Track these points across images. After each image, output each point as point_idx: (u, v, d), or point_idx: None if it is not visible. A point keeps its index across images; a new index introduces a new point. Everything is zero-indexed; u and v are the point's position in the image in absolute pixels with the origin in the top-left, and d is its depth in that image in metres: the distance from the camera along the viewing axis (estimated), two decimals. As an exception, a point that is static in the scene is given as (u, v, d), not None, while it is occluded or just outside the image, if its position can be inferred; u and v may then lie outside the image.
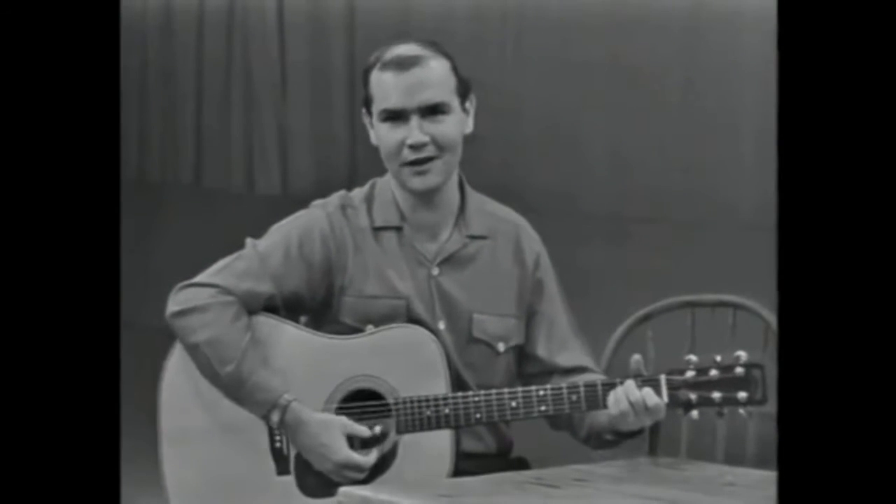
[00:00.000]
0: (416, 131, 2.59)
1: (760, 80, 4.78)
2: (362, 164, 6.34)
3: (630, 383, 2.50)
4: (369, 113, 2.66)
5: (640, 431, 2.57)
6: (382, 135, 2.63)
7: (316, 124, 6.59)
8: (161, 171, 7.18)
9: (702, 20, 5.15)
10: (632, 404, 2.48)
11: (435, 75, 2.61)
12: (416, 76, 2.60)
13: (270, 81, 6.69)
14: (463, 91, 2.65)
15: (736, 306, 3.07)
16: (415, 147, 2.59)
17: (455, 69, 2.64)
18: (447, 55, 2.65)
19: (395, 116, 2.60)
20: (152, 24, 7.01)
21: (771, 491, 1.82)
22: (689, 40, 5.19)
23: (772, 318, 2.97)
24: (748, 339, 3.03)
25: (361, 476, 2.53)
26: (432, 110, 2.60)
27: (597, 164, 5.47)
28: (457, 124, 2.63)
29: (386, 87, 2.61)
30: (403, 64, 2.61)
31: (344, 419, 2.56)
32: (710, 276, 4.45)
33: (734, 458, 2.89)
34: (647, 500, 2.24)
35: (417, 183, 2.62)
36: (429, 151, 2.60)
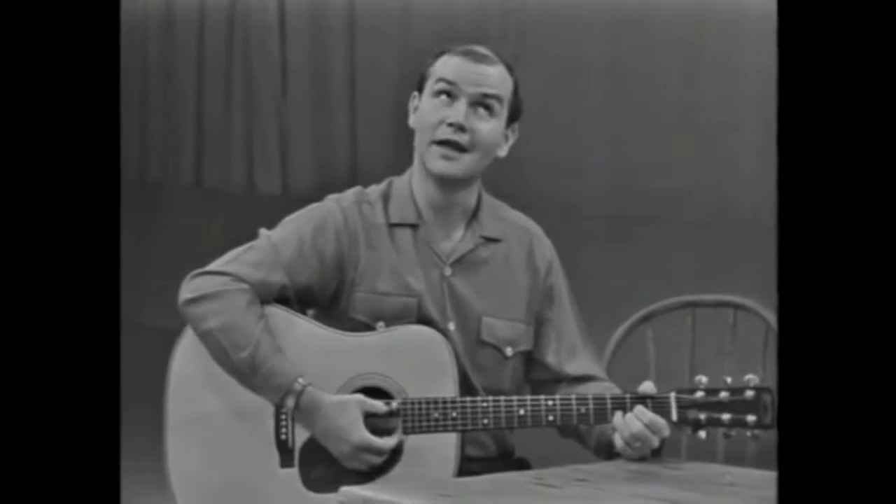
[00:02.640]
0: (460, 113, 2.61)
1: (761, 80, 4.78)
2: (362, 164, 6.35)
3: (641, 408, 2.51)
4: (419, 93, 2.68)
5: (657, 450, 2.56)
6: (427, 108, 2.64)
7: (316, 124, 6.60)
8: (161, 171, 7.18)
9: (702, 21, 5.15)
10: (647, 425, 2.49)
11: (498, 77, 2.66)
12: (481, 70, 2.64)
13: (270, 81, 6.70)
14: (513, 112, 2.69)
15: (736, 306, 3.07)
16: (454, 126, 2.60)
17: (516, 91, 2.69)
18: (513, 75, 2.69)
19: (448, 92, 2.62)
20: (152, 24, 7.01)
21: (771, 491, 1.82)
22: (690, 41, 5.20)
23: (772, 318, 2.97)
24: (748, 339, 3.04)
25: (379, 461, 2.53)
26: (483, 102, 2.62)
27: (597, 164, 5.48)
28: (496, 134, 2.65)
29: (451, 65, 2.64)
30: (475, 56, 2.65)
31: (360, 396, 2.55)
32: (710, 276, 4.46)
33: (734, 458, 2.90)
34: (647, 500, 2.24)
35: (440, 166, 2.62)
36: (464, 140, 2.61)
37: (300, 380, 2.54)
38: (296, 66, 6.62)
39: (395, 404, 2.55)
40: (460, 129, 2.61)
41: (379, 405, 2.54)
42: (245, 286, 2.59)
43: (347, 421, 2.53)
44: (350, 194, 2.72)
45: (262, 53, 6.70)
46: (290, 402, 2.54)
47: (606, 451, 2.61)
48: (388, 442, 2.53)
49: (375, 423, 2.55)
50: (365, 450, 2.53)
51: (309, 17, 6.53)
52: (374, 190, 2.73)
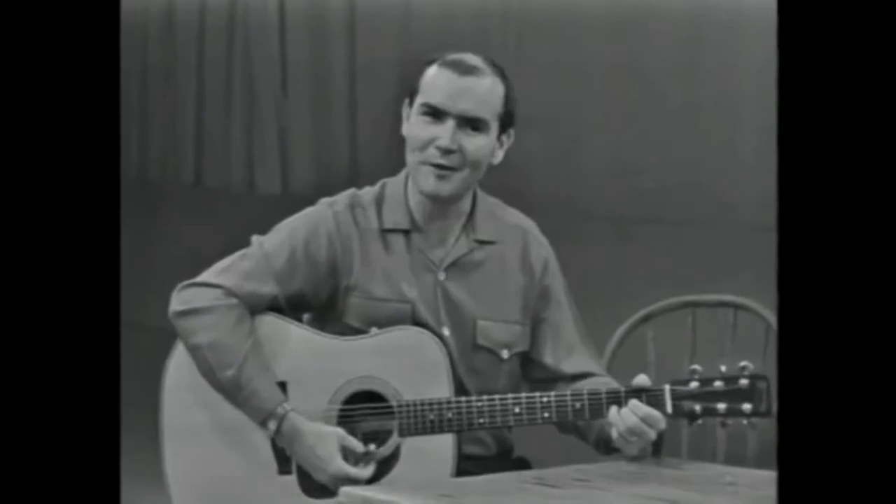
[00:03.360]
0: (447, 136, 2.58)
1: (761, 79, 4.78)
2: (362, 164, 6.35)
3: (635, 402, 2.50)
4: (411, 103, 2.65)
5: (656, 445, 2.56)
6: (415, 127, 2.62)
7: (316, 124, 6.59)
8: (161, 171, 7.18)
9: (702, 20, 5.15)
10: (642, 419, 2.48)
11: (485, 91, 2.61)
12: (467, 83, 2.60)
13: (270, 81, 6.69)
14: (505, 121, 2.65)
15: (736, 306, 3.07)
16: (442, 150, 2.59)
17: (507, 98, 2.64)
18: (506, 82, 2.65)
19: (434, 114, 2.60)
20: (153, 24, 7.01)
21: (771, 491, 1.82)
22: (690, 40, 5.19)
23: (772, 318, 2.97)
24: (748, 339, 3.04)
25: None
26: (469, 122, 2.60)
27: (597, 164, 5.47)
28: (488, 147, 2.63)
29: (436, 83, 2.61)
30: (461, 68, 2.61)
31: (340, 431, 2.55)
32: (710, 276, 4.45)
33: (735, 458, 2.90)
34: (647, 500, 2.24)
35: (431, 185, 2.61)
36: (454, 161, 2.60)
37: (283, 405, 2.54)
38: (296, 66, 6.62)
39: (372, 447, 2.55)
40: (448, 151, 2.59)
41: (357, 445, 2.55)
42: (235, 301, 2.59)
43: (325, 452, 2.54)
44: (343, 197, 2.71)
45: (262, 53, 6.69)
46: (272, 426, 2.55)
47: (606, 447, 2.61)
48: (364, 472, 2.54)
49: (369, 426, 2.56)
50: (341, 480, 2.53)
51: (309, 17, 6.52)
52: (368, 192, 2.72)
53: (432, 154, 2.59)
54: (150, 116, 7.13)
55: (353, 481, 2.52)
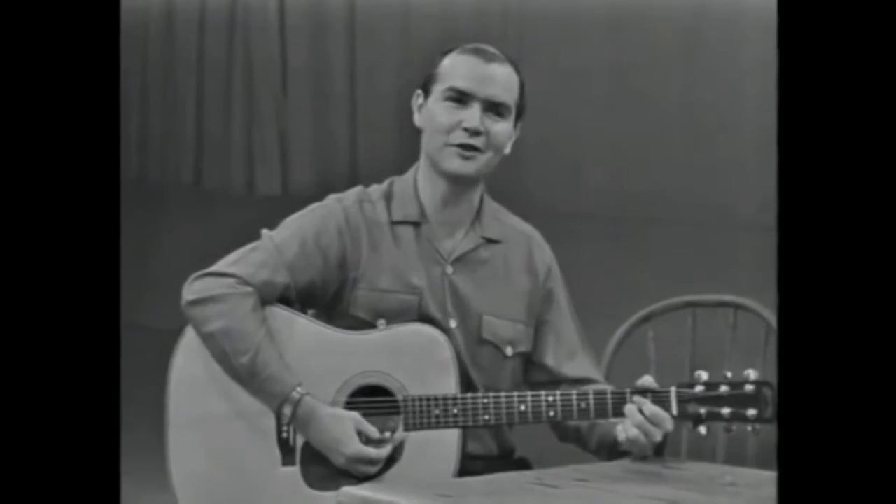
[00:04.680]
0: (476, 118, 2.61)
1: (760, 80, 4.78)
2: (362, 164, 6.36)
3: (640, 398, 2.50)
4: (426, 93, 2.67)
5: (659, 447, 2.56)
6: (438, 112, 2.64)
7: (316, 124, 6.60)
8: (161, 171, 7.18)
9: (702, 21, 5.15)
10: (647, 417, 2.48)
11: (506, 79, 2.66)
12: (493, 70, 2.64)
13: (270, 82, 6.70)
14: (519, 111, 2.69)
15: (736, 306, 3.07)
16: (470, 131, 2.61)
17: (522, 90, 2.69)
18: (520, 74, 2.69)
19: (459, 98, 2.63)
20: (153, 24, 7.01)
21: (771, 491, 1.82)
22: (690, 41, 5.20)
23: (772, 318, 2.97)
24: (748, 339, 3.04)
25: (374, 469, 2.53)
26: (495, 107, 2.63)
27: (597, 164, 5.48)
28: (508, 132, 2.66)
29: (461, 69, 2.64)
30: (486, 55, 2.66)
31: (356, 415, 2.55)
32: (710, 276, 4.46)
33: (735, 458, 2.90)
34: (647, 500, 2.24)
35: (457, 165, 2.63)
36: (480, 142, 2.62)
37: (298, 388, 2.54)
38: (296, 66, 6.62)
39: (388, 434, 2.55)
40: (476, 133, 2.62)
41: (373, 430, 2.54)
42: (249, 289, 2.59)
43: (342, 433, 2.54)
44: (352, 193, 2.73)
45: (262, 53, 6.70)
46: (288, 411, 2.54)
47: (608, 452, 2.61)
48: (382, 452, 2.54)
49: (375, 422, 2.56)
50: (359, 461, 2.53)
51: (309, 17, 6.53)
52: (376, 189, 2.73)
53: (459, 135, 2.62)
54: (150, 116, 7.13)
55: (371, 462, 2.53)
